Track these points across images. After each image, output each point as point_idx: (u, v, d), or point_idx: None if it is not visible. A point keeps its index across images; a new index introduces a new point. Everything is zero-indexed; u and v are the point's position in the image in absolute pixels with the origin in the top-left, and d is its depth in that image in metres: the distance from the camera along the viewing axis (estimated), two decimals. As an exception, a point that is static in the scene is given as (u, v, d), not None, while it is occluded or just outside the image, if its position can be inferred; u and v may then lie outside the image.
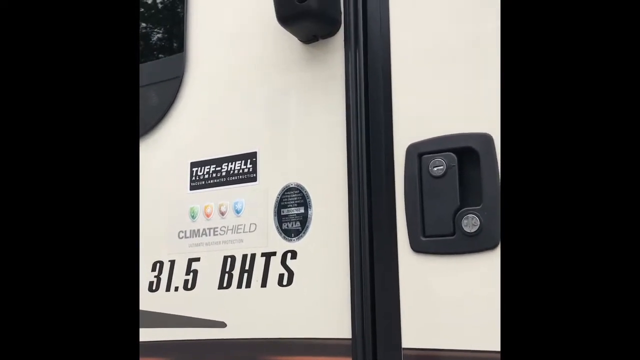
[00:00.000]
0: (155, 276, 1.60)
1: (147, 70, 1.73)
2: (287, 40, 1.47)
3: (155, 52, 1.91)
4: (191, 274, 1.54)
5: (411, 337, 1.19)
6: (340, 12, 1.40)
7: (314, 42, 1.44)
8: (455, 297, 1.16)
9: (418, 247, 1.20)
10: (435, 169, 1.20)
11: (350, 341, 1.27)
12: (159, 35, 1.92)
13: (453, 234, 1.17)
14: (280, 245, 1.42)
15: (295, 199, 1.42)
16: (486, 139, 1.16)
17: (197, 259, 1.54)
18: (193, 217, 1.57)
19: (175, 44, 1.75)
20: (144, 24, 1.91)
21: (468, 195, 1.18)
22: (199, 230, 1.55)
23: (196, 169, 1.59)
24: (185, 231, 1.57)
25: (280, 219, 1.43)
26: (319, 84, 1.43)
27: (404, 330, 1.20)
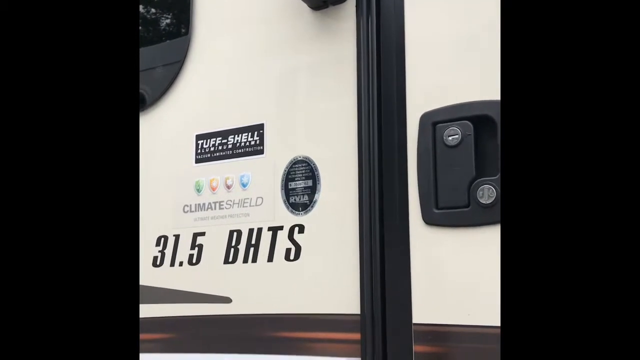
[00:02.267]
0: (159, 251, 1.56)
1: (153, 54, 1.69)
2: (296, 8, 1.42)
3: (163, 37, 1.86)
4: (196, 248, 1.51)
5: (422, 313, 1.15)
6: (351, -23, 1.35)
7: (323, 8, 1.39)
8: (468, 270, 1.12)
9: (431, 219, 1.16)
10: (450, 138, 1.15)
11: (359, 317, 1.23)
12: (167, 20, 1.87)
13: (468, 206, 1.12)
14: (288, 219, 1.38)
15: (303, 171, 1.38)
16: (504, 106, 1.11)
17: (203, 234, 1.50)
18: (198, 190, 1.53)
19: (183, 29, 1.69)
20: (152, 10, 1.86)
21: (484, 165, 1.14)
22: (204, 204, 1.51)
23: (201, 141, 1.54)
24: (191, 205, 1.53)
25: (288, 192, 1.39)
26: (329, 53, 1.38)
27: (414, 306, 1.16)
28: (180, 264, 1.52)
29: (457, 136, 1.14)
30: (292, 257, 1.35)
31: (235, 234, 1.45)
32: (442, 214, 1.15)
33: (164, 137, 1.61)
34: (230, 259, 1.44)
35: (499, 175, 1.10)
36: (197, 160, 1.54)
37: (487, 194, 1.10)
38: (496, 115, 1.12)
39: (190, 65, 1.60)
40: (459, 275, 1.13)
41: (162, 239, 1.57)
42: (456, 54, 1.19)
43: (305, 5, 1.40)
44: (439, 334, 1.13)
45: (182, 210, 1.55)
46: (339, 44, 1.36)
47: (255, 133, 1.46)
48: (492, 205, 1.09)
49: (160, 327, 1.51)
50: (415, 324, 1.15)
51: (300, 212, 1.36)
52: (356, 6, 1.34)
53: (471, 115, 1.14)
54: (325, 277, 1.30)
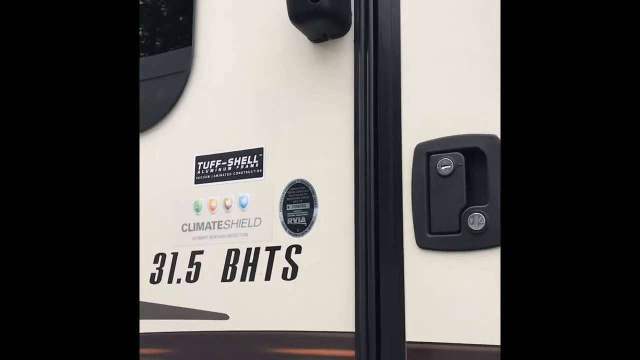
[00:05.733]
0: (157, 268, 1.61)
1: (154, 63, 1.75)
2: (296, 37, 1.50)
3: (166, 44, 1.91)
4: (194, 266, 1.56)
5: (415, 331, 1.22)
6: (350, 13, 1.43)
7: (323, 41, 1.47)
8: (459, 292, 1.19)
9: (424, 243, 1.24)
10: (443, 168, 1.23)
11: (354, 335, 1.29)
12: (169, 27, 1.92)
13: (459, 232, 1.20)
14: (285, 239, 1.44)
15: (301, 195, 1.44)
16: (493, 140, 1.20)
17: (201, 252, 1.55)
18: (197, 210, 1.59)
19: (186, 36, 1.75)
20: (155, 17, 1.92)
21: (474, 194, 1.22)
22: (203, 223, 1.57)
23: (201, 163, 1.60)
24: (189, 224, 1.59)
25: (286, 214, 1.45)
26: (327, 82, 1.45)
27: (407, 324, 1.23)
28: (178, 281, 1.57)
29: (449, 166, 1.22)
30: (289, 276, 1.41)
31: (233, 252, 1.51)
32: (434, 239, 1.23)
33: (164, 157, 1.67)
34: (228, 277, 1.50)
35: (488, 204, 1.19)
36: (197, 181, 1.60)
37: (477, 221, 1.18)
38: (486, 148, 1.21)
39: (191, 89, 1.66)
40: (451, 296, 1.20)
41: (160, 256, 1.61)
42: (450, 88, 1.27)
43: (305, 38, 1.48)
44: (431, 351, 1.20)
45: (180, 229, 1.60)
46: (338, 76, 1.43)
47: (255, 156, 1.52)
48: (481, 232, 1.18)
49: (157, 342, 1.55)
50: (408, 342, 1.22)
51: (298, 233, 1.43)
52: (354, 40, 1.43)
53: (463, 147, 1.23)
54: (321, 296, 1.36)
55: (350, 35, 1.44)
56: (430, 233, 1.23)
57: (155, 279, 1.61)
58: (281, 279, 1.42)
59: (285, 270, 1.42)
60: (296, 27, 1.42)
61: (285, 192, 1.47)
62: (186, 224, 1.59)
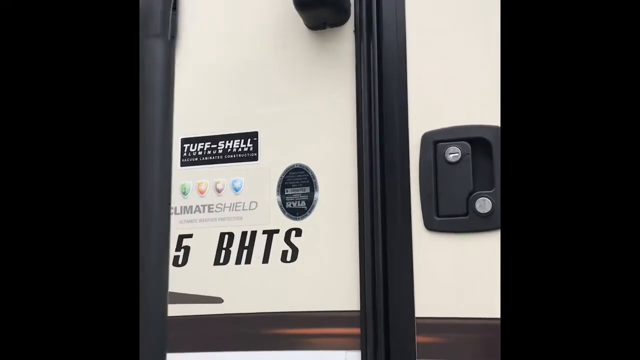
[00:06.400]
0: (139, 253, 1.56)
1: None
2: (294, 25, 1.51)
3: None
4: (182, 250, 1.53)
5: (424, 307, 1.31)
6: (350, 4, 1.47)
7: (321, 29, 1.50)
8: (466, 270, 1.29)
9: (432, 226, 1.32)
10: (450, 155, 1.32)
11: (359, 313, 1.35)
12: None
13: (466, 214, 1.30)
14: (284, 223, 1.46)
15: (301, 179, 1.47)
16: (498, 131, 1.31)
17: (189, 236, 1.53)
18: (184, 193, 1.56)
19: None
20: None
21: (480, 180, 1.32)
22: (191, 206, 1.54)
23: (187, 145, 1.57)
24: (176, 207, 1.55)
25: (284, 198, 1.47)
26: (325, 69, 1.48)
27: (417, 301, 1.31)
28: (164, 265, 1.54)
29: (457, 154, 1.32)
30: (288, 258, 1.44)
31: (226, 236, 1.50)
32: (442, 222, 1.32)
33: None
34: (222, 261, 1.49)
35: (494, 189, 1.29)
36: (183, 164, 1.57)
37: (485, 204, 1.28)
38: (491, 138, 1.31)
39: (177, 62, 1.61)
40: (458, 274, 1.30)
41: (142, 240, 1.56)
42: (456, 79, 1.36)
43: (303, 24, 1.50)
44: (440, 326, 1.29)
45: (165, 212, 1.56)
46: (336, 66, 1.47)
47: (249, 140, 1.52)
48: (488, 214, 1.28)
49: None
50: (417, 318, 1.31)
51: (298, 217, 1.46)
52: (355, 30, 1.47)
53: (469, 137, 1.32)
54: (323, 277, 1.40)
55: (349, 24, 1.48)
56: (438, 216, 1.32)
57: (137, 264, 1.55)
58: (280, 262, 1.44)
59: (284, 252, 1.45)
60: (299, 13, 1.44)
61: (283, 177, 1.48)
62: (172, 207, 1.56)
